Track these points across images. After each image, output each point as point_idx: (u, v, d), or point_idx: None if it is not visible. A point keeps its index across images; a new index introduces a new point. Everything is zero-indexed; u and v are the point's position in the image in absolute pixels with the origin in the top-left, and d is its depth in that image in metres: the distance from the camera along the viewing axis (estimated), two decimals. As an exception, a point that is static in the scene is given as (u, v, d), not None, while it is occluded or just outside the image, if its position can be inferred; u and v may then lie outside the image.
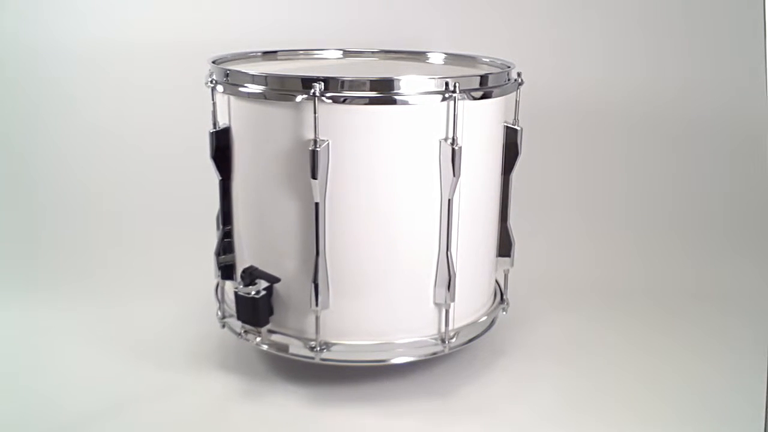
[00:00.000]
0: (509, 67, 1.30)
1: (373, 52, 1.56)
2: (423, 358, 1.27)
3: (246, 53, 1.46)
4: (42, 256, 1.85)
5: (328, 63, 1.51)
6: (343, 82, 1.12)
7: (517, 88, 1.30)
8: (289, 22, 2.05)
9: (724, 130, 2.04)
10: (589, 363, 1.40)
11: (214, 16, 2.07)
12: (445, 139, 1.17)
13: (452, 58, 1.47)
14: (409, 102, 1.14)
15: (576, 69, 2.04)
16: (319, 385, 1.31)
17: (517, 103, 1.31)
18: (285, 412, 1.25)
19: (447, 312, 1.26)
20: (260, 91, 1.16)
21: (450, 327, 1.26)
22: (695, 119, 2.05)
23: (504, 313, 1.42)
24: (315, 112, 1.12)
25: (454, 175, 1.17)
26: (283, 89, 1.15)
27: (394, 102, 1.14)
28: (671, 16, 2.02)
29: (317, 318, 1.21)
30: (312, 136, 1.13)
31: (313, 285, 1.19)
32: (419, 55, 1.50)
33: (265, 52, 1.50)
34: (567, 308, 1.62)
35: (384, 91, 1.13)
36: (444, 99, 1.15)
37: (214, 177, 1.35)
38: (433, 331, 1.27)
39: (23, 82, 2.09)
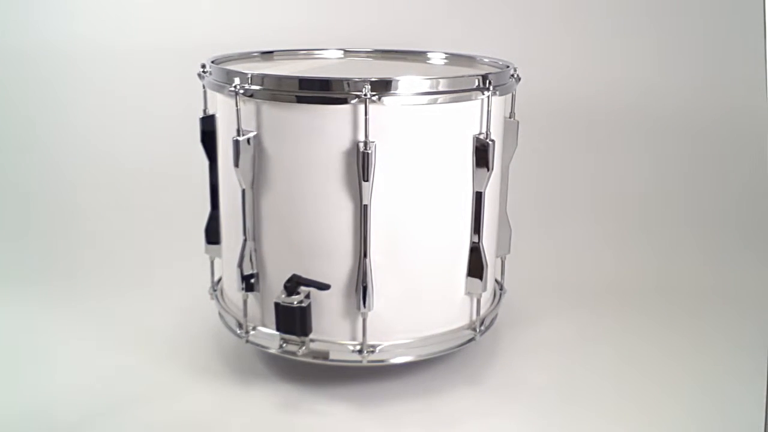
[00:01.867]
0: (508, 66, 1.33)
1: (369, 53, 1.56)
2: (458, 348, 1.31)
3: (244, 53, 1.43)
4: (40, 256, 1.83)
5: (330, 63, 1.49)
6: (389, 82, 1.13)
7: (515, 84, 1.34)
8: (288, 21, 2.06)
9: (729, 130, 2.06)
10: (593, 361, 1.41)
11: (212, 17, 2.08)
12: (479, 134, 1.21)
13: (452, 58, 1.49)
14: (451, 100, 1.17)
15: (584, 70, 2.07)
16: (323, 385, 1.31)
17: (513, 97, 1.36)
18: (286, 411, 1.24)
19: (479, 301, 1.30)
20: (304, 96, 1.14)
21: (480, 314, 1.32)
22: (700, 118, 2.07)
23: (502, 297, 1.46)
24: (366, 114, 1.11)
25: (488, 170, 1.22)
26: (329, 92, 1.13)
27: (436, 101, 1.16)
28: (672, 16, 2.06)
29: (364, 321, 1.21)
30: (362, 138, 1.13)
31: (362, 287, 1.18)
32: (419, 55, 1.52)
33: (263, 52, 1.47)
34: (570, 306, 1.63)
35: (425, 91, 1.15)
36: (482, 95, 1.19)
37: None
38: (464, 321, 1.31)
39: (20, 82, 2.10)
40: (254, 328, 1.28)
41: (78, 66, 2.12)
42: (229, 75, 1.19)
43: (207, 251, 1.42)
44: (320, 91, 1.14)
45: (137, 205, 2.04)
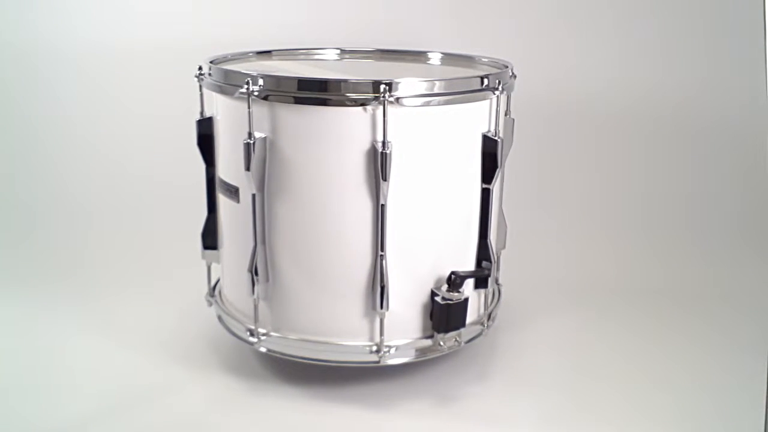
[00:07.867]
0: (507, 66, 1.33)
1: (369, 52, 1.52)
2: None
3: (243, 53, 1.42)
4: (41, 257, 1.84)
5: (331, 63, 1.46)
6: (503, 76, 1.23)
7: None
8: (286, 21, 2.05)
9: (729, 129, 2.06)
10: (591, 360, 1.42)
11: (211, 16, 2.09)
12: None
13: (450, 58, 1.49)
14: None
15: (583, 69, 2.07)
16: (320, 385, 1.32)
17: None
18: (284, 412, 1.25)
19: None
20: (448, 99, 1.16)
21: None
22: (700, 117, 2.07)
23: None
24: (498, 106, 1.22)
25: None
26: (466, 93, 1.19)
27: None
28: (672, 16, 2.05)
29: (486, 299, 1.32)
30: (492, 129, 1.23)
31: (492, 269, 1.29)
32: (417, 55, 1.50)
33: (260, 52, 1.45)
34: (568, 305, 1.63)
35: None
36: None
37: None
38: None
39: (19, 83, 2.11)
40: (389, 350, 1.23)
41: (78, 66, 2.12)
42: (372, 85, 1.11)
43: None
44: (459, 93, 1.18)
45: (137, 207, 2.04)
